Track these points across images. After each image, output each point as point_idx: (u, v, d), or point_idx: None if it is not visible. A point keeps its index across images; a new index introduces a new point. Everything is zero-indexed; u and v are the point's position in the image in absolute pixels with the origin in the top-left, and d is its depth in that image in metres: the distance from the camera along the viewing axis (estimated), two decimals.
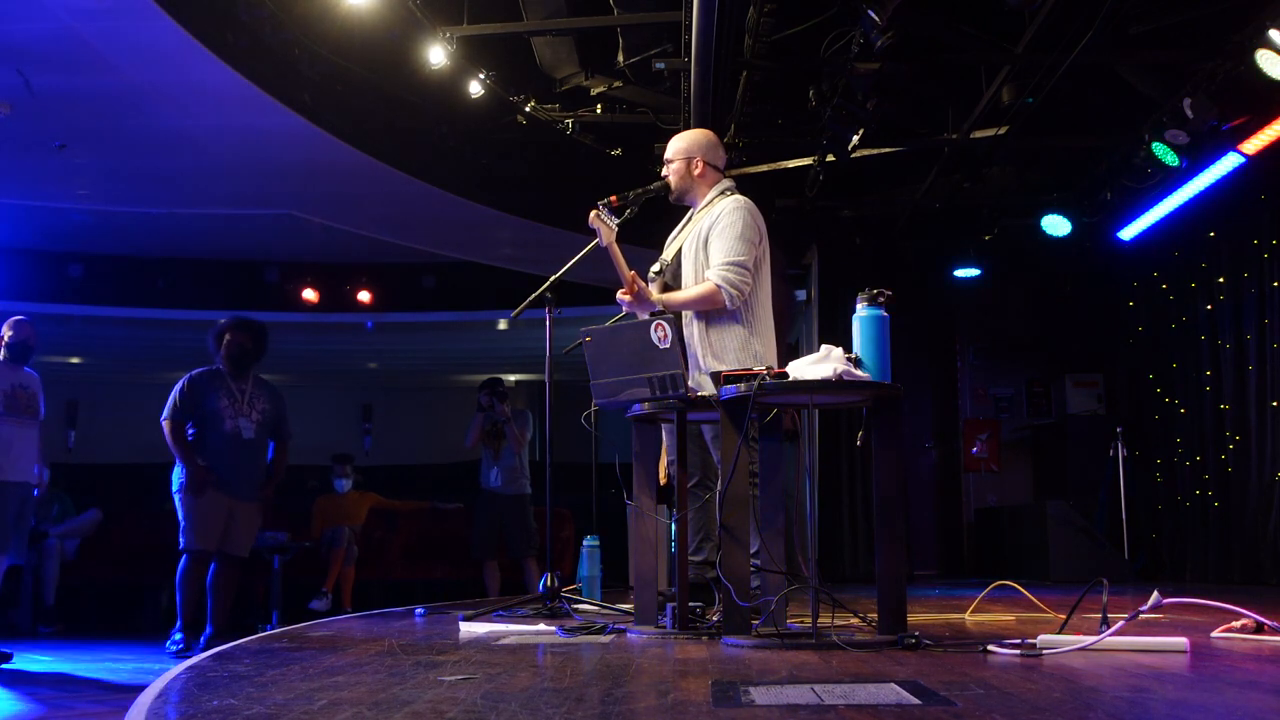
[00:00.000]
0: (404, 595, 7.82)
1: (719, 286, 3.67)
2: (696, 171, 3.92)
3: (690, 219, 3.99)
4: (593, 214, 3.77)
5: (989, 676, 2.35)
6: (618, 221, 3.80)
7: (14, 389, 5.62)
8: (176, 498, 5.68)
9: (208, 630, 5.58)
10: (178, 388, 5.77)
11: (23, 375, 5.74)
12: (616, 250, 3.80)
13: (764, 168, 7.70)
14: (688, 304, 3.76)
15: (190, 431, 5.72)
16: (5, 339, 5.70)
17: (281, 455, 6.02)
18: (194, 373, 5.86)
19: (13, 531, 5.52)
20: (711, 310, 3.73)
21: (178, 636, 5.57)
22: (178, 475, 5.69)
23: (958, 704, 1.96)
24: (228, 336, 5.91)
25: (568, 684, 2.30)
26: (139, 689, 2.34)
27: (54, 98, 6.23)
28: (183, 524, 5.64)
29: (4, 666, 5.22)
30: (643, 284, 3.78)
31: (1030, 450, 9.61)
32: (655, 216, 4.13)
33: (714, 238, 3.75)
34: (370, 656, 2.92)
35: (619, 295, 3.80)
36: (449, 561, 8.56)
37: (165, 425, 5.71)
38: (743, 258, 3.69)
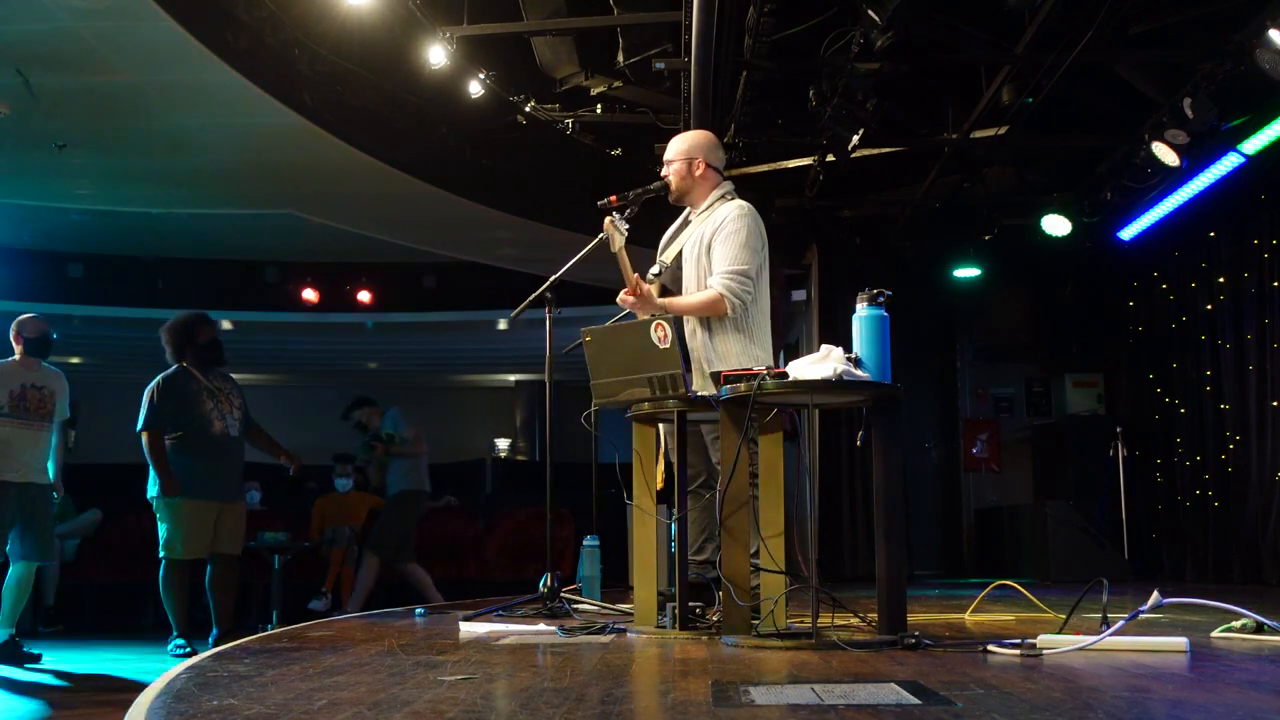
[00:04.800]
0: (404, 595, 7.81)
1: (722, 294, 3.68)
2: (698, 172, 3.92)
3: (688, 221, 3.99)
4: (607, 221, 3.75)
5: (989, 676, 2.35)
6: (628, 227, 3.80)
7: (24, 389, 5.39)
8: (156, 503, 5.52)
9: (214, 632, 5.52)
10: (150, 395, 5.53)
11: (39, 374, 5.47)
12: (624, 255, 3.79)
13: (764, 168, 7.71)
14: (690, 310, 3.77)
15: (169, 437, 5.53)
16: (22, 336, 5.47)
17: (265, 434, 5.95)
18: (163, 376, 5.63)
19: (21, 532, 5.34)
20: (712, 317, 3.74)
21: (179, 642, 5.43)
22: (154, 483, 5.52)
23: (958, 704, 1.96)
24: (200, 330, 5.72)
25: (568, 684, 2.30)
26: (138, 689, 2.34)
27: (54, 98, 6.23)
28: (165, 534, 5.50)
29: (32, 666, 5.21)
30: (646, 287, 3.78)
31: (1030, 450, 9.61)
32: (656, 216, 4.13)
33: (717, 244, 3.76)
34: (370, 656, 2.92)
35: (621, 296, 3.79)
36: (449, 562, 8.55)
37: (144, 436, 5.48)
38: (745, 266, 3.71)
